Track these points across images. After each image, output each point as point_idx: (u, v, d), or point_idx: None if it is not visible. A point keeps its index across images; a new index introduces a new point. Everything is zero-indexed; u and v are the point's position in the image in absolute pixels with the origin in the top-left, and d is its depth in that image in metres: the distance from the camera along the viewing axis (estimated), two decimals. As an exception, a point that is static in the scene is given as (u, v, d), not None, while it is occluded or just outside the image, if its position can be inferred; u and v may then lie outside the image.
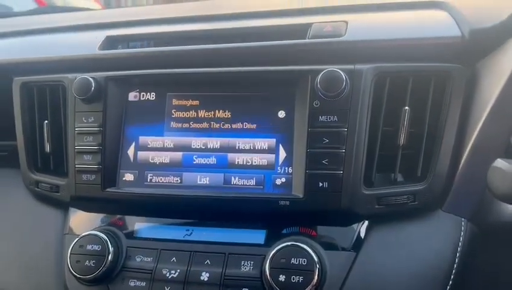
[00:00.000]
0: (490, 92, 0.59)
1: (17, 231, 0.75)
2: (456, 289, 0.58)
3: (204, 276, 0.60)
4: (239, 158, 0.64)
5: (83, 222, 0.70)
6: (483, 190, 0.59)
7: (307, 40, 0.65)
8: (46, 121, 0.73)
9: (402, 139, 0.60)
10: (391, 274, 0.58)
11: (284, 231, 0.62)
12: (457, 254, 0.58)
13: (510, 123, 0.58)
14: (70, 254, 0.63)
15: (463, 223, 0.60)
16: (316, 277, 0.55)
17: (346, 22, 0.66)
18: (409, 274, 0.58)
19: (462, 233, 0.60)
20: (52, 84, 0.73)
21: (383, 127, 0.61)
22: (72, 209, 0.72)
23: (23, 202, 0.77)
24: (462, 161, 0.59)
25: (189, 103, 0.67)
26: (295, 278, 0.55)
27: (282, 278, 0.56)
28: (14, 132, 0.76)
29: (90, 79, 0.67)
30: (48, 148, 0.73)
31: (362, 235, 0.60)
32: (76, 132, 0.69)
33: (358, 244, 0.60)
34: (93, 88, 0.67)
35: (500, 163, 0.47)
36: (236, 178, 0.64)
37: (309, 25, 0.66)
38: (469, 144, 0.59)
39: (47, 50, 0.78)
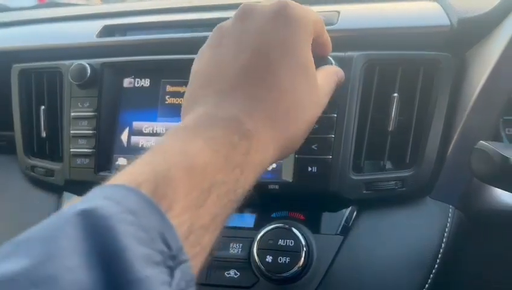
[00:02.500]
0: (477, 80, 0.59)
1: (11, 215, 0.76)
2: (441, 274, 0.58)
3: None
4: (230, 144, 0.65)
5: (77, 206, 0.71)
6: (471, 177, 0.59)
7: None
8: (43, 107, 0.74)
9: (391, 126, 0.61)
10: (378, 258, 0.58)
11: (274, 215, 0.62)
12: (444, 240, 0.59)
13: (496, 110, 0.59)
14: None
15: (450, 210, 0.60)
16: (302, 258, 0.56)
17: (338, 12, 0.67)
18: (395, 258, 0.58)
19: (449, 220, 0.60)
20: (49, 71, 0.75)
21: (372, 114, 0.62)
22: (66, 194, 0.73)
23: (19, 188, 0.78)
24: (450, 148, 0.60)
25: (183, 89, 0.68)
26: (282, 259, 0.56)
27: (269, 258, 0.56)
28: (12, 123, 0.77)
29: (86, 65, 0.69)
30: (44, 133, 0.74)
31: (350, 220, 0.61)
32: (71, 116, 0.70)
33: (346, 228, 0.60)
34: (89, 74, 0.68)
35: (481, 145, 0.48)
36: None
37: (301, 14, 0.68)
38: (457, 131, 0.60)
39: (46, 38, 0.80)
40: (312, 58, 0.42)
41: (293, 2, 0.41)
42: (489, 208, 0.61)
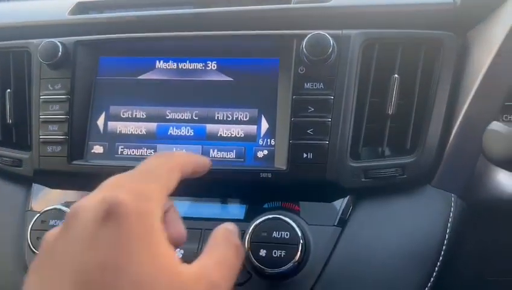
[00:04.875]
0: (481, 62, 0.56)
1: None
2: (446, 266, 0.55)
3: (179, 253, 0.55)
4: (218, 129, 0.60)
5: (47, 199, 0.64)
6: (474, 163, 0.56)
7: (291, 5, 0.61)
8: (9, 90, 0.67)
9: (391, 109, 0.57)
10: (378, 251, 0.54)
11: (266, 206, 0.58)
12: (447, 230, 0.55)
13: (499, 96, 0.56)
14: (31, 230, 0.58)
15: (453, 199, 0.57)
16: (299, 252, 0.51)
17: (333, -12, 0.63)
18: (396, 251, 0.54)
19: (452, 209, 0.57)
20: (15, 50, 0.68)
21: (370, 96, 0.58)
22: (35, 186, 0.66)
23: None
24: (453, 133, 0.57)
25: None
26: (277, 253, 0.51)
27: (262, 252, 0.51)
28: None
29: (58, 43, 0.62)
30: (10, 119, 0.67)
31: (348, 210, 0.57)
32: (41, 100, 0.63)
33: (343, 219, 0.56)
34: (60, 53, 0.62)
35: (496, 125, 0.44)
36: (215, 150, 0.60)
37: (294, -10, 0.63)
38: (460, 115, 0.56)
39: (12, 16, 0.73)
40: (164, 263, 0.32)
41: (126, 190, 0.33)
42: (491, 196, 0.58)
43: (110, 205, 0.31)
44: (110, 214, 0.31)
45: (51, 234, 0.34)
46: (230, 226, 0.41)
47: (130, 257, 0.30)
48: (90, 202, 0.32)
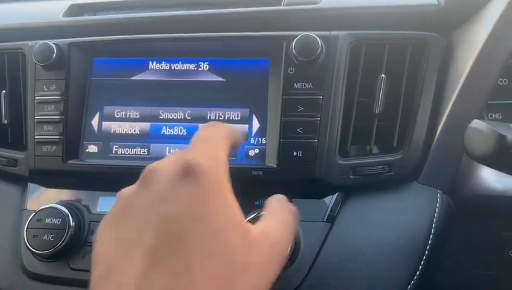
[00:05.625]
0: (465, 62, 0.58)
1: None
2: (431, 261, 0.56)
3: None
4: (210, 129, 0.61)
5: (42, 198, 0.65)
6: (459, 161, 0.58)
7: (281, 7, 0.63)
8: (4, 91, 0.68)
9: (378, 108, 0.59)
10: (366, 245, 0.56)
11: (257, 203, 0.59)
12: (433, 225, 0.57)
13: (483, 95, 0.58)
14: (27, 228, 0.59)
15: (439, 195, 0.59)
16: (289, 247, 0.53)
17: (322, -10, 0.64)
18: (384, 245, 0.56)
19: (437, 205, 0.58)
20: (10, 52, 0.69)
21: (358, 96, 0.60)
22: (31, 185, 0.67)
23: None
24: (438, 131, 0.58)
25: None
26: (268, 248, 0.53)
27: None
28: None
29: (52, 45, 0.64)
30: (5, 119, 0.68)
31: (337, 206, 0.58)
32: (36, 100, 0.64)
33: (332, 215, 0.58)
34: (55, 54, 0.63)
35: (477, 123, 0.46)
36: (207, 149, 0.61)
37: (284, -8, 0.65)
38: (445, 114, 0.58)
39: (6, 18, 0.74)
40: (235, 214, 0.34)
41: (198, 153, 0.35)
42: (476, 192, 0.60)
43: (188, 164, 0.33)
44: (188, 171, 0.33)
45: (126, 191, 0.36)
46: (281, 196, 0.44)
47: (207, 208, 0.32)
48: (167, 162, 0.35)
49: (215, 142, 0.39)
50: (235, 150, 0.44)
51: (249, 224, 0.35)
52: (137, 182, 0.35)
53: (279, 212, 0.40)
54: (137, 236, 0.32)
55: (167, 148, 0.62)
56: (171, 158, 0.35)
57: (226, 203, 0.34)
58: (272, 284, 0.35)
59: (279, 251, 0.37)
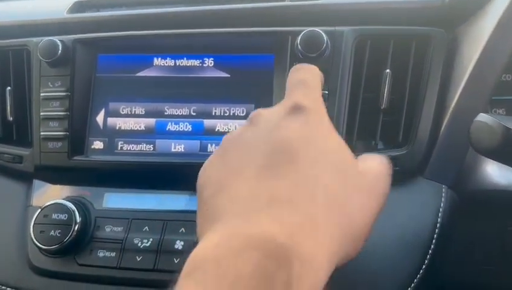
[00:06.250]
0: (470, 57, 0.58)
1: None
2: (437, 256, 0.56)
3: (179, 244, 0.57)
4: (216, 124, 0.62)
5: (48, 194, 0.65)
6: (464, 156, 0.58)
7: (286, 3, 0.63)
8: (9, 88, 0.69)
9: (383, 103, 0.59)
10: (372, 240, 0.54)
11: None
12: (439, 220, 0.57)
13: (487, 90, 0.58)
14: (34, 224, 0.59)
15: (444, 190, 0.59)
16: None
17: (326, -14, 0.64)
18: (389, 241, 0.56)
19: (442, 200, 0.58)
20: (15, 49, 0.69)
21: (363, 91, 0.60)
22: (36, 182, 0.67)
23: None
24: (443, 126, 0.59)
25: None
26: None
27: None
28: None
29: (58, 41, 0.64)
30: (10, 116, 0.68)
31: (342, 201, 0.58)
32: (41, 97, 0.64)
33: (338, 210, 0.58)
34: (60, 51, 0.63)
35: (483, 117, 0.46)
36: (213, 145, 0.61)
37: (289, -12, 0.65)
38: (449, 109, 0.58)
39: (11, 15, 0.74)
40: (343, 144, 0.35)
41: (301, 96, 0.36)
42: (481, 187, 0.60)
43: (295, 104, 0.35)
44: (296, 109, 0.34)
45: (231, 132, 0.37)
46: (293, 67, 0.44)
47: (318, 132, 0.34)
48: (272, 108, 0.37)
49: (312, 84, 0.39)
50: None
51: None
52: (241, 126, 0.37)
53: (378, 160, 0.40)
54: (249, 159, 0.32)
55: (172, 144, 0.62)
56: (275, 106, 0.37)
57: (334, 134, 0.35)
58: (377, 215, 0.36)
59: (384, 183, 0.37)
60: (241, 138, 0.35)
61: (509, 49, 0.57)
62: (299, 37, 0.57)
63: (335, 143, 0.34)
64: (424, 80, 0.59)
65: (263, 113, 0.36)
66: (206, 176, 0.34)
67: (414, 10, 0.61)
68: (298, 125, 0.33)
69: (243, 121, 0.60)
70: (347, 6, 0.62)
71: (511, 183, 0.58)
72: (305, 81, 0.39)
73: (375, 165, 0.38)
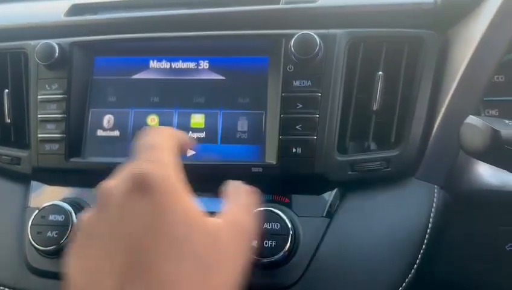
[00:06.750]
0: (461, 59, 0.59)
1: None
2: (428, 255, 0.57)
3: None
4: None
5: (46, 196, 0.66)
6: (455, 156, 0.59)
7: (280, 6, 0.64)
8: (7, 90, 0.69)
9: (376, 105, 0.60)
10: (365, 240, 0.57)
11: (257, 199, 0.60)
12: (430, 220, 0.58)
13: (479, 91, 0.59)
14: (31, 225, 0.60)
15: (436, 190, 0.60)
16: (289, 242, 0.54)
17: (320, -11, 0.65)
18: (382, 240, 0.57)
19: (434, 200, 0.59)
20: (12, 52, 0.70)
21: (356, 93, 0.61)
22: (34, 183, 0.68)
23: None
24: (435, 127, 0.59)
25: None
26: (268, 243, 0.54)
27: (254, 243, 0.54)
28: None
29: (55, 44, 0.64)
30: (8, 118, 0.69)
31: (336, 202, 0.59)
32: (39, 99, 0.65)
33: (331, 211, 0.59)
34: (57, 53, 0.64)
35: (472, 119, 0.47)
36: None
37: (282, -9, 0.66)
38: (441, 110, 0.59)
39: (8, 18, 0.75)
40: (196, 218, 0.34)
41: (146, 163, 0.35)
42: (473, 187, 0.61)
43: (138, 178, 0.33)
44: (140, 185, 0.33)
45: (86, 217, 0.35)
46: (237, 182, 0.44)
47: (167, 218, 0.32)
48: (118, 180, 0.34)
49: (160, 146, 0.37)
50: (184, 155, 0.42)
51: (211, 218, 0.35)
52: (95, 205, 0.35)
53: (239, 198, 0.41)
54: (105, 263, 0.32)
55: (168, 145, 0.63)
56: (122, 174, 0.35)
57: (184, 208, 0.33)
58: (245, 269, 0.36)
59: (247, 236, 0.38)
60: (95, 229, 0.34)
61: (501, 50, 0.57)
62: (293, 40, 0.58)
63: (186, 221, 0.33)
64: (416, 82, 0.60)
65: (109, 192, 0.34)
66: (69, 280, 0.33)
67: (407, 13, 0.61)
68: (145, 211, 0.32)
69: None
70: (340, 9, 0.62)
71: (503, 183, 0.59)
72: (151, 145, 0.37)
73: (238, 217, 0.38)
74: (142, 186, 0.33)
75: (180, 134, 0.42)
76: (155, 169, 0.34)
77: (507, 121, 0.47)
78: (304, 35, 0.58)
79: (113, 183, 0.35)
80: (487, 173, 0.60)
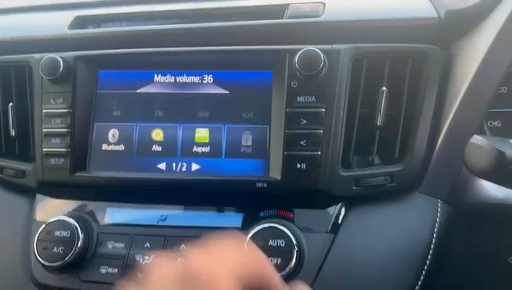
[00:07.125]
0: (465, 74, 0.59)
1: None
2: (433, 270, 0.58)
3: (180, 261, 0.58)
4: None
5: (51, 209, 0.67)
6: (459, 171, 0.59)
7: (284, 20, 0.64)
8: (11, 104, 0.69)
9: (380, 120, 0.60)
10: (369, 255, 0.57)
11: (262, 214, 0.60)
12: (434, 235, 0.58)
13: (483, 105, 0.59)
14: (37, 240, 0.60)
15: (439, 204, 0.60)
16: (294, 258, 0.54)
17: (324, 3, 0.65)
18: (387, 254, 0.57)
19: (438, 214, 0.60)
20: (17, 65, 0.70)
21: (360, 108, 0.61)
22: (39, 196, 0.68)
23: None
24: (439, 142, 0.60)
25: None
26: (273, 260, 0.54)
27: None
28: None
29: (59, 58, 0.65)
30: (12, 132, 0.69)
31: (340, 217, 0.60)
32: (43, 114, 0.65)
33: (336, 226, 0.59)
34: (61, 68, 0.64)
35: (477, 139, 0.47)
36: (213, 162, 0.62)
37: (286, 5, 0.66)
38: (445, 125, 0.59)
39: (12, 30, 0.75)
40: None
41: (202, 258, 0.33)
42: (476, 201, 0.61)
43: (188, 271, 0.32)
44: (187, 281, 0.32)
45: None
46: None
47: None
48: (166, 263, 0.34)
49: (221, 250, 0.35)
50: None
51: None
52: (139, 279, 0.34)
53: None
54: None
55: (174, 162, 0.63)
56: (171, 261, 0.34)
57: None
58: None
59: None
60: None
61: (506, 63, 0.58)
62: (297, 56, 0.58)
63: None
64: (420, 97, 0.60)
65: (154, 278, 0.33)
66: None
67: (410, 28, 0.62)
68: None
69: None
70: (344, 24, 0.62)
71: (506, 197, 0.59)
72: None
73: None
74: (188, 283, 0.31)
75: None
76: (207, 266, 0.32)
77: (511, 141, 0.47)
78: (309, 51, 0.58)
79: (160, 270, 0.33)
80: (490, 187, 0.61)
